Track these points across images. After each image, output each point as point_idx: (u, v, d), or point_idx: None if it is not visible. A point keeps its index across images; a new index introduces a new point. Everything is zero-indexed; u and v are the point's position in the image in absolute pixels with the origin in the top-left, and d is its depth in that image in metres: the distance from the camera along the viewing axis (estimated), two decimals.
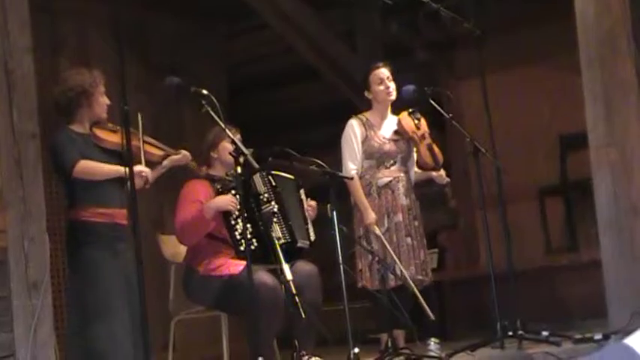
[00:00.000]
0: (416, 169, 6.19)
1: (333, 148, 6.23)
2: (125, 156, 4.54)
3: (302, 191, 5.78)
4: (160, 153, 5.27)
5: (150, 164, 5.21)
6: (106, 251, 5.06)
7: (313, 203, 5.78)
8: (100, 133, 5.14)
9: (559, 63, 7.78)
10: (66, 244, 5.12)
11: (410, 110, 6.15)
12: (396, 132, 6.13)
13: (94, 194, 5.06)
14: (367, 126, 6.09)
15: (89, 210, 5.04)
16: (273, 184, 5.54)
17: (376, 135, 6.08)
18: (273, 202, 5.45)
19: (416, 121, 6.13)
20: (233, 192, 5.42)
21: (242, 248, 5.35)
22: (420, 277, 5.98)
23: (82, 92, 5.13)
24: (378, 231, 5.90)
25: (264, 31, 8.70)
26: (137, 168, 4.88)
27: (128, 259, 5.02)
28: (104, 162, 5.09)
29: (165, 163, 5.27)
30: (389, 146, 6.07)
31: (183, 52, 8.53)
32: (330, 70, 8.57)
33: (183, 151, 5.33)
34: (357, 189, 5.97)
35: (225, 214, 5.42)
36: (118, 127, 5.13)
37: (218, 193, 5.46)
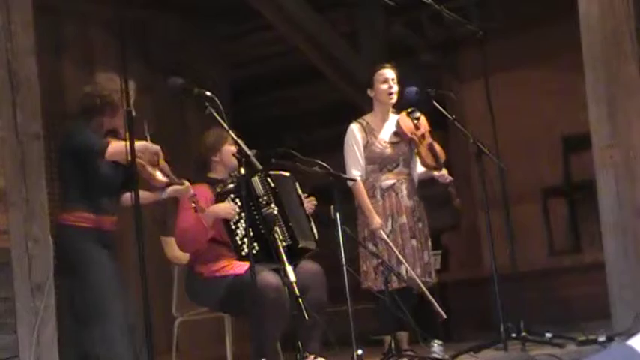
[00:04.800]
0: (420, 168, 6.18)
1: (336, 149, 6.22)
2: (130, 164, 4.51)
3: (298, 186, 5.77)
4: (164, 180, 5.20)
5: (152, 189, 5.19)
6: (95, 254, 5.07)
7: (312, 199, 5.77)
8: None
9: (562, 64, 7.78)
10: (55, 246, 5.08)
11: (408, 110, 6.12)
12: (395, 134, 6.11)
13: (86, 200, 5.07)
14: (368, 130, 6.07)
15: (77, 214, 5.04)
16: (272, 185, 5.53)
17: (377, 140, 6.05)
18: (272, 205, 5.44)
19: (415, 121, 6.10)
20: (232, 196, 5.42)
21: (244, 253, 5.35)
22: (424, 279, 5.97)
23: (110, 102, 5.09)
24: (384, 235, 5.89)
25: (266, 31, 8.70)
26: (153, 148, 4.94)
27: (118, 263, 5.06)
28: (109, 172, 5.11)
29: (168, 190, 5.21)
30: (390, 150, 6.05)
31: (186, 52, 8.54)
32: (333, 71, 8.56)
33: (187, 183, 5.27)
34: (362, 193, 5.96)
35: (226, 220, 5.42)
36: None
37: (217, 195, 5.45)
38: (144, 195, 5.18)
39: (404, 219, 5.99)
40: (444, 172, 6.11)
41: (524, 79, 8.31)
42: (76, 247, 5.03)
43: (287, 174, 5.70)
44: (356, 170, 6.01)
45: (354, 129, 6.08)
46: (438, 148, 6.13)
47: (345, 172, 5.98)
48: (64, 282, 5.06)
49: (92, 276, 5.00)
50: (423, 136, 6.10)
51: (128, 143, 4.81)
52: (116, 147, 4.93)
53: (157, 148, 5.01)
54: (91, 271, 5.00)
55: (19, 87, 4.83)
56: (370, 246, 5.91)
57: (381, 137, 6.09)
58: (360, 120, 6.14)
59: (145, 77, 7.74)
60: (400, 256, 5.85)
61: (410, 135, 6.06)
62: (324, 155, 5.71)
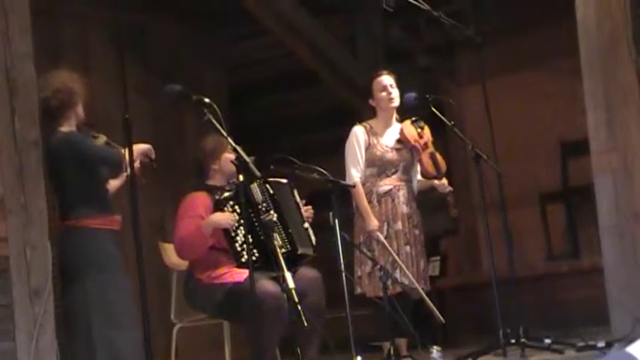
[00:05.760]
0: (419, 177, 6.19)
1: (334, 153, 6.23)
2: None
3: (296, 192, 5.77)
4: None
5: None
6: (118, 256, 5.13)
7: (309, 208, 5.77)
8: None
9: (560, 68, 7.78)
10: (76, 251, 5.09)
11: (413, 119, 6.16)
12: (398, 140, 6.13)
13: (98, 202, 5.11)
14: (371, 134, 6.09)
15: (99, 217, 5.09)
16: (271, 192, 5.52)
17: (379, 143, 6.08)
18: (271, 211, 5.43)
19: (419, 130, 6.14)
20: (231, 202, 5.41)
21: (243, 260, 5.34)
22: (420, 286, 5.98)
23: (69, 91, 5.14)
24: (381, 237, 5.90)
25: (264, 36, 8.69)
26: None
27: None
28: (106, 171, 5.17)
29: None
30: (391, 155, 6.07)
31: (183, 56, 8.53)
32: (330, 75, 8.57)
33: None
34: (360, 196, 5.98)
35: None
36: (99, 135, 5.19)
37: (216, 202, 5.44)
38: (122, 181, 5.24)
39: (399, 225, 6.00)
40: (444, 181, 6.13)
41: (522, 84, 8.31)
42: (104, 249, 5.10)
43: (284, 180, 5.69)
44: (355, 170, 6.02)
45: (358, 130, 6.11)
46: (439, 157, 6.17)
47: (343, 176, 5.99)
48: (83, 285, 5.04)
49: (119, 277, 5.05)
50: (425, 144, 6.13)
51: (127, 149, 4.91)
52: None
53: (148, 148, 5.16)
54: (118, 273, 5.06)
55: (16, 93, 4.82)
56: (366, 251, 5.91)
57: (383, 141, 6.11)
58: (364, 123, 6.17)
59: (143, 81, 7.75)
60: (397, 258, 5.86)
61: (413, 142, 6.09)
62: (323, 159, 5.71)
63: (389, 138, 6.14)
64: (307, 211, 5.75)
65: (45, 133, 5.03)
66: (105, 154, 5.12)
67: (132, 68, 7.33)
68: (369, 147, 6.06)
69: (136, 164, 5.14)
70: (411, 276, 5.85)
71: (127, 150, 4.41)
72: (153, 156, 5.21)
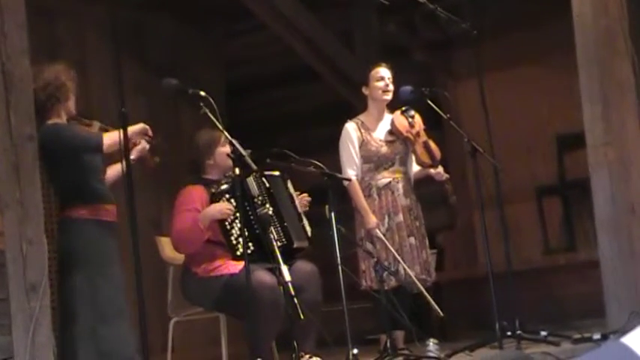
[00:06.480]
0: (415, 166, 6.18)
1: (331, 149, 6.23)
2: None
3: (289, 183, 5.77)
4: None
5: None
6: (111, 249, 5.11)
7: (306, 195, 5.77)
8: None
9: (556, 63, 7.79)
10: (68, 243, 5.10)
11: (403, 109, 6.13)
12: (390, 132, 6.11)
13: (89, 192, 5.10)
14: (363, 129, 6.08)
15: (88, 208, 5.07)
16: (267, 185, 5.53)
17: (372, 138, 6.06)
18: (267, 205, 5.44)
19: (409, 119, 6.11)
20: (227, 196, 5.41)
21: (238, 253, 5.34)
22: (423, 277, 5.99)
23: (61, 86, 5.11)
24: (380, 234, 5.90)
25: (261, 32, 8.69)
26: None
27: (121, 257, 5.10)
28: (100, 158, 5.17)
29: (133, 156, 5.08)
30: (385, 149, 6.06)
31: (181, 53, 8.53)
32: (327, 71, 8.56)
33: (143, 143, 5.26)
34: (357, 193, 5.96)
35: (221, 220, 5.42)
36: (92, 121, 5.18)
37: (212, 196, 5.45)
38: (117, 168, 5.20)
39: (400, 217, 5.99)
40: (440, 169, 6.12)
41: (519, 78, 8.32)
42: (94, 241, 5.07)
43: (277, 173, 5.69)
44: (351, 169, 6.01)
45: (349, 128, 6.09)
46: (433, 145, 6.13)
47: (341, 172, 5.98)
48: (73, 277, 5.04)
49: (110, 270, 5.05)
50: (417, 134, 6.11)
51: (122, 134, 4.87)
52: (111, 138, 4.93)
53: (143, 127, 5.10)
54: (110, 265, 5.06)
55: (12, 88, 4.81)
56: (368, 245, 5.91)
57: (376, 136, 6.10)
58: (355, 119, 6.15)
59: (140, 78, 7.75)
60: (397, 255, 5.86)
61: (405, 133, 6.07)
62: (321, 156, 5.71)
63: (381, 131, 6.13)
64: (303, 199, 5.75)
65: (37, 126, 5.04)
66: (83, 139, 5.06)
67: (129, 65, 7.34)
68: (362, 143, 6.04)
69: (142, 146, 5.17)
70: (410, 271, 5.84)
71: (123, 143, 4.42)
72: (150, 133, 5.17)
